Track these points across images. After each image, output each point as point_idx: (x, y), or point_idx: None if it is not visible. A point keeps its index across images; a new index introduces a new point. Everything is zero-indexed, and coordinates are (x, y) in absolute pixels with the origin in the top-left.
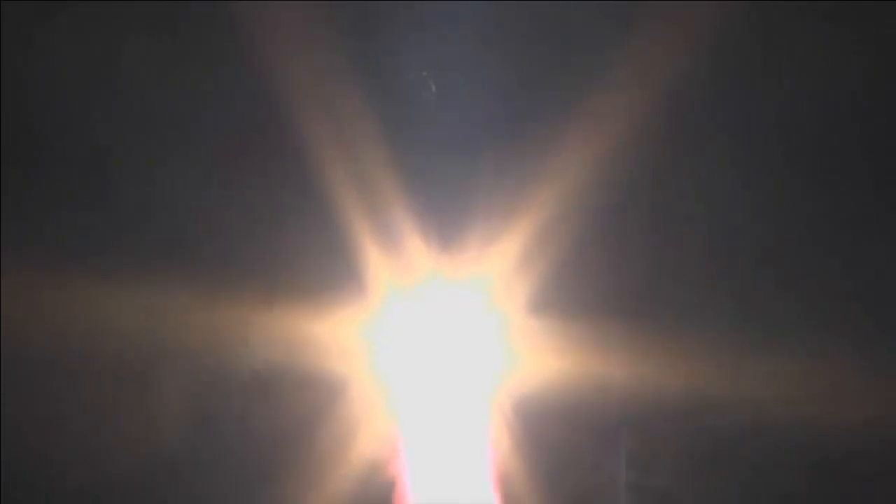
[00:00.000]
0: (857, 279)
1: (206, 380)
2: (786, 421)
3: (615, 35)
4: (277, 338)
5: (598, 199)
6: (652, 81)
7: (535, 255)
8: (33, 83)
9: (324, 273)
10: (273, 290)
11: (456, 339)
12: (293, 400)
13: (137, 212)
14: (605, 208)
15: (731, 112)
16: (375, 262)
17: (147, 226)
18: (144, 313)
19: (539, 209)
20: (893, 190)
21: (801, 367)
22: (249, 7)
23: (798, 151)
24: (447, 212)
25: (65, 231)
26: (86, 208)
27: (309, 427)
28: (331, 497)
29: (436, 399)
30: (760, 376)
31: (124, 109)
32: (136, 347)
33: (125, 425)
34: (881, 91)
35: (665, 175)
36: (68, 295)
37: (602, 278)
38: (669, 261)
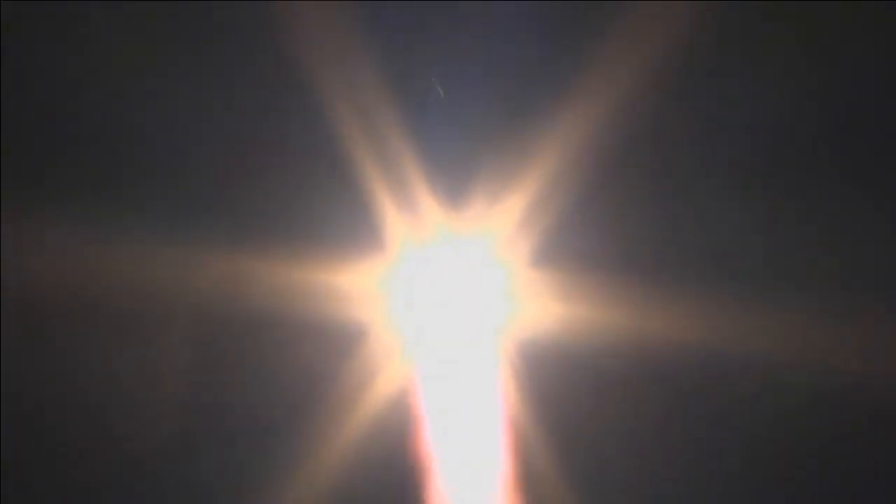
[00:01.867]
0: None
1: (231, 328)
2: (788, 374)
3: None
4: (299, 288)
5: (597, 157)
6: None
7: (537, 212)
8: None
9: (343, 229)
10: (296, 244)
11: (465, 289)
12: (317, 345)
13: (159, 170)
14: (605, 166)
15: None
16: (391, 218)
17: (169, 182)
18: (169, 265)
19: (541, 170)
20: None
21: (804, 321)
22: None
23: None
24: (457, 173)
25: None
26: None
27: (332, 369)
28: (354, 432)
29: (448, 344)
30: (759, 328)
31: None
32: (158, 297)
33: (150, 371)
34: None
35: (666, 128)
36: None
37: (601, 233)
38: (669, 215)
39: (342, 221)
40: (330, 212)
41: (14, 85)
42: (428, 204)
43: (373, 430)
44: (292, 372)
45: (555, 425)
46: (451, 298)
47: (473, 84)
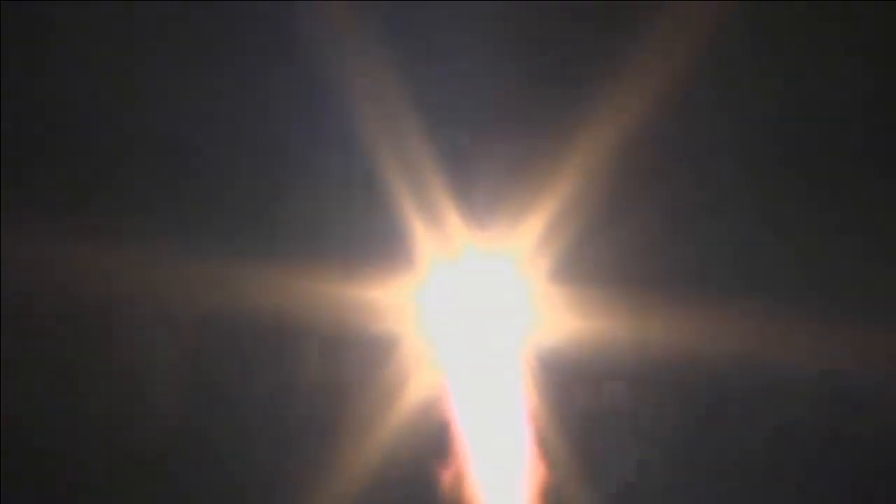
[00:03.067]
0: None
1: (265, 338)
2: (797, 384)
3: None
4: (334, 301)
5: (616, 177)
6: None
7: (557, 230)
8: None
9: (375, 246)
10: (331, 260)
11: (490, 303)
12: (351, 354)
13: (191, 184)
14: (623, 185)
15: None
16: (420, 236)
17: (203, 196)
18: (209, 284)
19: (560, 190)
20: None
21: (823, 332)
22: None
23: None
24: (482, 194)
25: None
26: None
27: (365, 378)
28: (387, 437)
29: (473, 354)
30: (773, 339)
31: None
32: (193, 307)
33: (177, 380)
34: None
35: (684, 145)
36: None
37: (619, 250)
38: (683, 233)
39: (374, 239)
40: (363, 230)
41: (11, 91)
42: (455, 223)
43: (404, 434)
44: (326, 381)
45: (574, 431)
46: (476, 311)
47: (496, 108)
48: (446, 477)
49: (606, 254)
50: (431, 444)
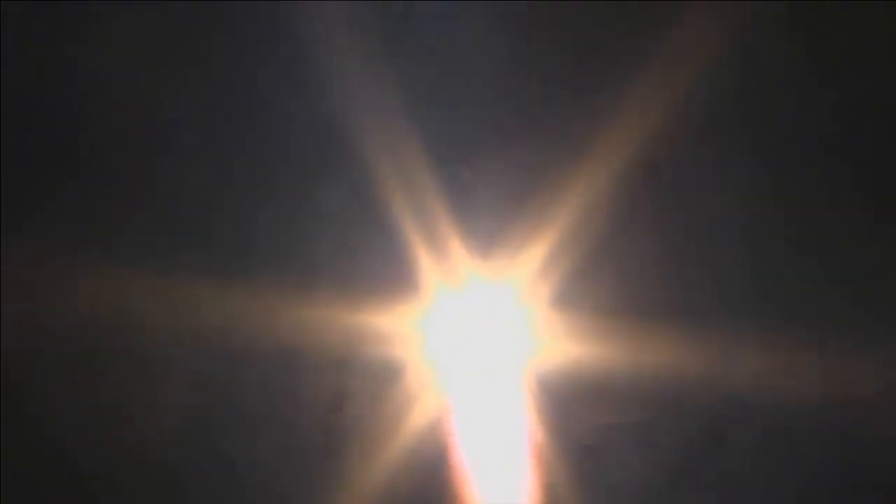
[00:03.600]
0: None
1: (271, 364)
2: (797, 410)
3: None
4: (343, 329)
5: (615, 206)
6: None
7: (558, 260)
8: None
9: (382, 275)
10: (341, 290)
11: (492, 329)
12: (359, 381)
13: (195, 215)
14: (622, 214)
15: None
16: (426, 266)
17: (209, 231)
18: (224, 314)
19: (560, 222)
20: None
21: (809, 357)
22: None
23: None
24: (485, 224)
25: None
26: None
27: (371, 402)
28: (392, 458)
29: (477, 378)
30: (772, 365)
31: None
32: (196, 333)
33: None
34: None
35: (682, 177)
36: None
37: (617, 279)
38: (681, 261)
39: (381, 268)
40: (370, 260)
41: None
42: (459, 252)
43: (409, 455)
44: (333, 404)
45: (572, 452)
46: (479, 337)
47: (497, 139)
48: (450, 498)
49: (604, 282)
50: (435, 466)
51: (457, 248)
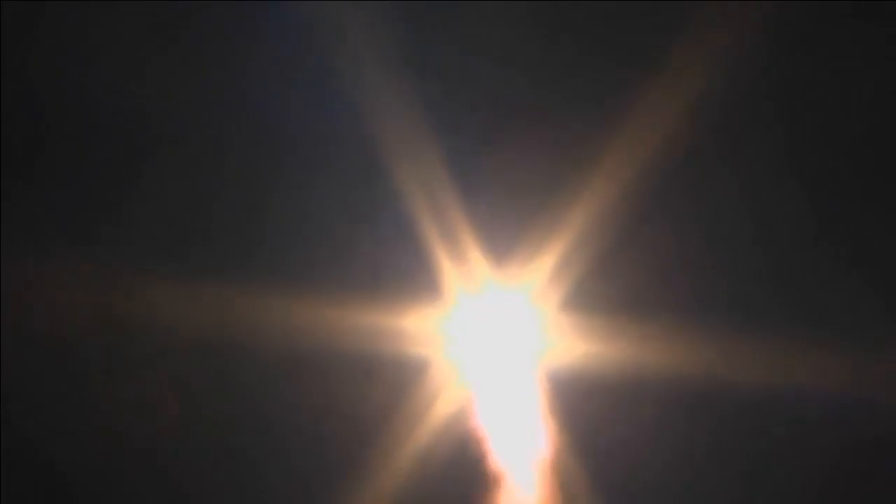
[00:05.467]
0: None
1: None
2: (801, 405)
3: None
4: (372, 329)
5: (623, 211)
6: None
7: (568, 265)
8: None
9: (407, 281)
10: (369, 294)
11: (508, 330)
12: (387, 376)
13: (224, 216)
14: (629, 219)
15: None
16: (447, 272)
17: (242, 231)
18: (253, 314)
19: (570, 228)
20: None
21: (812, 356)
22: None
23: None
24: (502, 233)
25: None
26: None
27: (399, 396)
28: (420, 446)
29: (495, 374)
30: (775, 363)
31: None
32: (246, 341)
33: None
34: None
35: (691, 181)
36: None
37: (625, 282)
38: (690, 263)
39: (406, 274)
40: (396, 267)
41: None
42: (478, 260)
43: (434, 444)
44: (362, 400)
45: (582, 441)
46: (496, 337)
47: (513, 153)
48: (472, 481)
49: (612, 285)
50: (458, 453)
51: (476, 255)
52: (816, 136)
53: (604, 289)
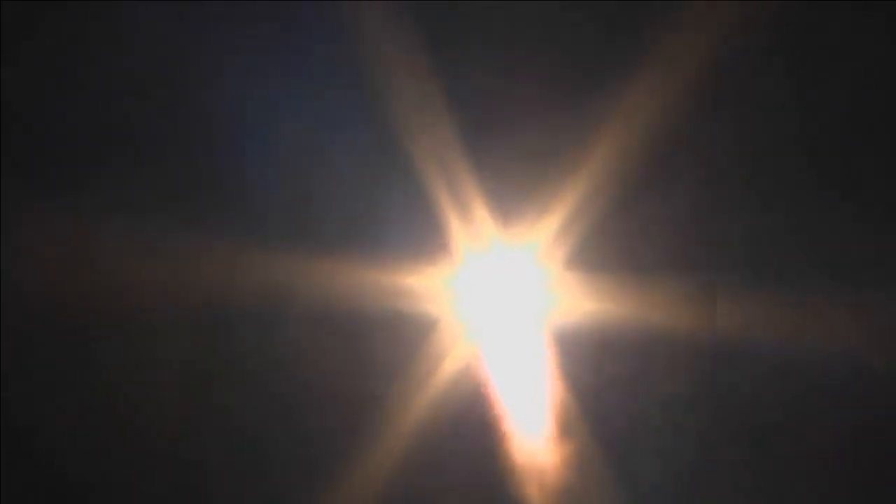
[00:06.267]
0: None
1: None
2: (807, 365)
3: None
4: (381, 287)
5: (630, 171)
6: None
7: (574, 224)
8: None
9: (414, 239)
10: (378, 253)
11: (515, 288)
12: (395, 334)
13: (231, 172)
14: (636, 179)
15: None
16: (455, 230)
17: (249, 188)
18: (258, 270)
19: (577, 188)
20: None
21: (822, 315)
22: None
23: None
24: (508, 191)
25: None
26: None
27: (408, 354)
28: (428, 400)
29: (503, 332)
30: (784, 323)
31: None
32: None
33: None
34: None
35: (692, 142)
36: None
37: (630, 241)
38: (692, 221)
39: (414, 232)
40: (403, 224)
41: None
42: (485, 217)
43: (442, 401)
44: (371, 358)
45: (587, 398)
46: (503, 295)
47: (519, 111)
48: (480, 437)
49: (619, 244)
50: (466, 410)
51: (483, 213)
52: (821, 99)
53: (610, 247)
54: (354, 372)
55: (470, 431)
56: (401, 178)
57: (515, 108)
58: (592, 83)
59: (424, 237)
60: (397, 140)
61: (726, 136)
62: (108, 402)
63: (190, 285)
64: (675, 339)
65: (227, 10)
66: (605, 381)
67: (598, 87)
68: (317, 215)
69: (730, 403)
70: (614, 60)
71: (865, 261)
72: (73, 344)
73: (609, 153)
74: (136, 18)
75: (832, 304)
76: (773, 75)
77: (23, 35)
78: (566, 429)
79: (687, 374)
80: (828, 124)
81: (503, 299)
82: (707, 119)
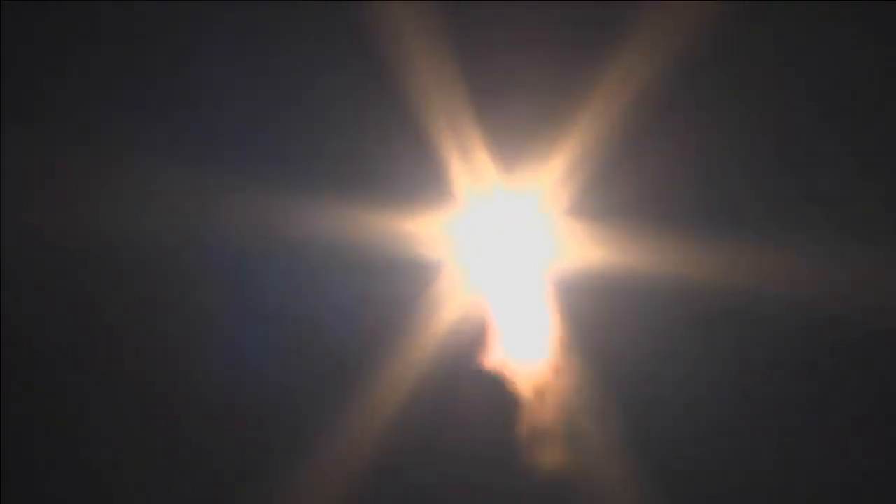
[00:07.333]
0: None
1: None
2: (807, 311)
3: None
4: (385, 231)
5: (630, 121)
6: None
7: (576, 171)
8: None
9: (418, 184)
10: (382, 196)
11: (517, 234)
12: (401, 277)
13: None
14: (635, 129)
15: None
16: (458, 176)
17: (260, 138)
18: (262, 216)
19: (580, 135)
20: None
21: (821, 264)
22: None
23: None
24: (510, 138)
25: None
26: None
27: (414, 296)
28: (434, 340)
29: (505, 276)
30: (784, 271)
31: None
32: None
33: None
34: None
35: (694, 94)
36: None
37: (631, 189)
38: (693, 171)
39: (418, 178)
40: (408, 171)
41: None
42: (488, 163)
43: (444, 342)
44: (376, 299)
45: (588, 341)
46: (506, 240)
47: (523, 58)
48: (480, 382)
49: (619, 192)
50: (468, 350)
51: (486, 159)
52: (815, 60)
53: (611, 195)
54: (359, 314)
55: (470, 379)
56: (404, 124)
57: (520, 57)
58: (596, 35)
59: (428, 183)
60: (401, 87)
61: (729, 89)
62: (107, 340)
63: (202, 228)
64: (677, 286)
65: None
66: (605, 325)
67: (602, 38)
68: (321, 161)
69: (728, 348)
70: (616, 14)
71: (864, 212)
72: (70, 282)
73: (613, 100)
74: None
75: (833, 254)
76: (771, 28)
77: None
78: (569, 379)
79: (687, 320)
80: (820, 88)
81: (505, 245)
82: (711, 66)
